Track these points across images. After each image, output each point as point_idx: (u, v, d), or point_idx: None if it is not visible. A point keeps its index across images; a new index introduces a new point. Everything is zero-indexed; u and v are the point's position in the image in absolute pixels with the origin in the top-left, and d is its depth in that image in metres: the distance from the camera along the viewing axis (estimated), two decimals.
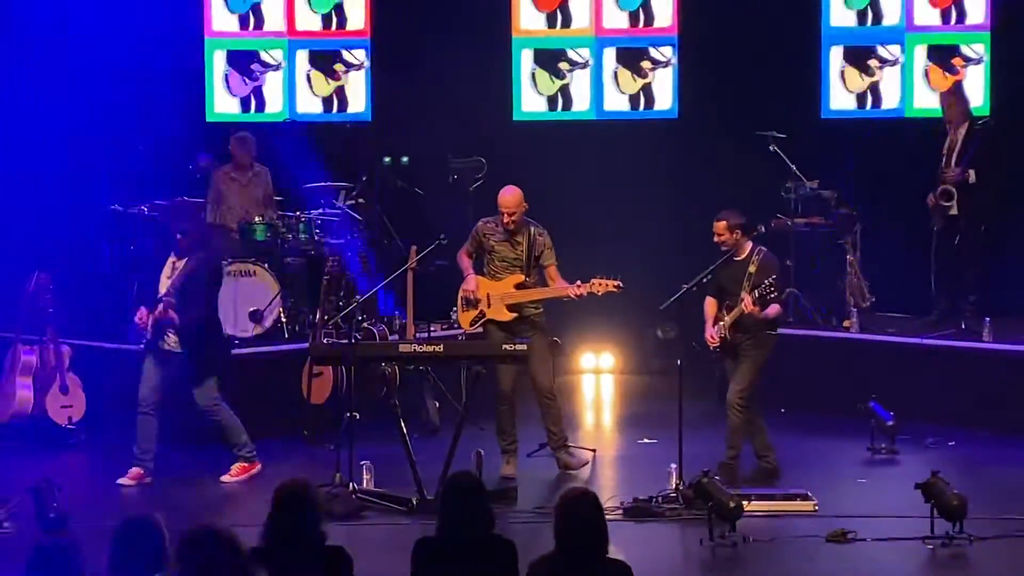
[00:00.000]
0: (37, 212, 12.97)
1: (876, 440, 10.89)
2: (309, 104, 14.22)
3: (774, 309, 9.84)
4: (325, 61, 14.21)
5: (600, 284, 10.09)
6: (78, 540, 5.40)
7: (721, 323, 9.94)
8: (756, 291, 9.69)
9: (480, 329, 10.52)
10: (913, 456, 10.69)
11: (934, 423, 11.32)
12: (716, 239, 9.97)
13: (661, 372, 13.06)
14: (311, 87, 14.22)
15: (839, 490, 9.81)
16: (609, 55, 14.15)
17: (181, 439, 10.95)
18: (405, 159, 13.39)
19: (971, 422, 11.35)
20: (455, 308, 10.83)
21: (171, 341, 10.11)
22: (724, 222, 9.92)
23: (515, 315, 10.32)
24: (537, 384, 10.37)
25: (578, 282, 10.15)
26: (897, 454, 10.82)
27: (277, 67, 14.20)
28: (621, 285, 10.11)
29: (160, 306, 10.04)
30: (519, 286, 10.32)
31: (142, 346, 10.24)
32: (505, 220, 10.29)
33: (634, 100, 14.18)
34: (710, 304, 10.08)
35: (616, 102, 14.19)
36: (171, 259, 10.14)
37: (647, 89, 14.14)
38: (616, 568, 5.80)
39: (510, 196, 10.32)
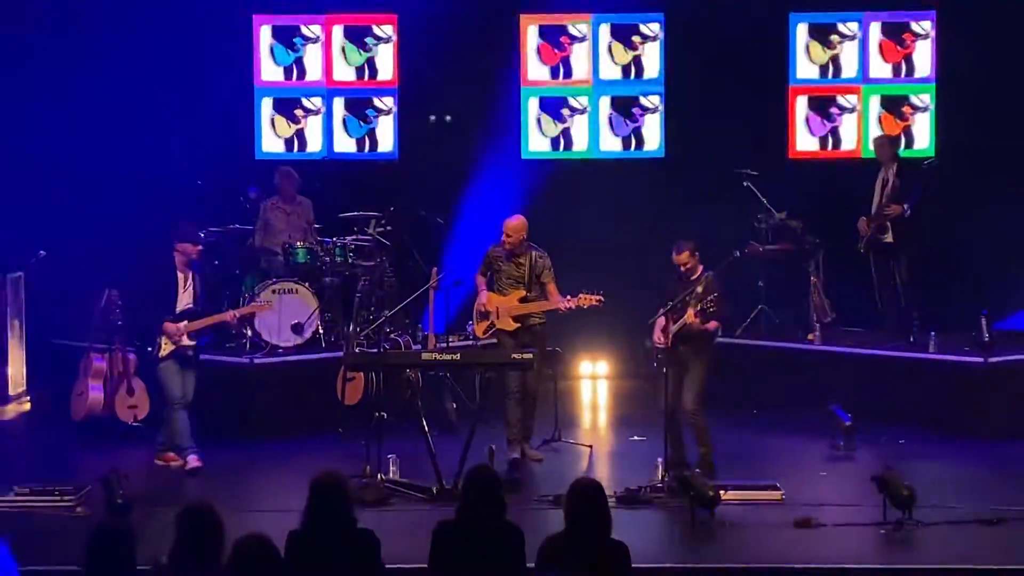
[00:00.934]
0: (109, 237, 12.96)
1: (836, 438, 10.85)
2: (344, 144, 14.23)
3: (712, 324, 9.77)
4: (358, 107, 14.22)
5: (585, 299, 10.29)
6: (132, 525, 5.38)
7: (669, 330, 9.83)
8: (700, 305, 9.60)
9: (493, 338, 10.67)
10: (868, 452, 10.64)
11: (887, 424, 11.28)
12: (682, 268, 9.85)
13: (649, 377, 13.02)
14: (346, 129, 14.22)
15: (804, 482, 9.77)
16: (604, 102, 14.15)
17: (225, 433, 10.99)
18: (448, 118, 13.53)
19: (919, 423, 11.31)
20: (471, 321, 10.94)
21: (189, 342, 10.18)
22: (687, 252, 9.83)
23: (519, 325, 10.49)
24: (526, 385, 10.39)
25: (568, 296, 10.29)
26: (854, 451, 10.76)
27: (317, 112, 14.21)
28: (602, 299, 10.26)
29: (231, 315, 10.29)
30: (522, 300, 10.50)
31: (162, 356, 10.16)
32: (503, 239, 10.45)
33: (626, 142, 14.17)
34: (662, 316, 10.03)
35: (611, 143, 14.18)
36: (180, 274, 10.19)
37: (637, 132, 14.14)
38: (617, 548, 5.78)
39: (513, 222, 10.57)
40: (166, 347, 10.13)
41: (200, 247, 10.33)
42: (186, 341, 10.13)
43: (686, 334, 9.72)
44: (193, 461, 10.10)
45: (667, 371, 9.85)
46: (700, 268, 9.87)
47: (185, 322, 10.13)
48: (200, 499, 5.53)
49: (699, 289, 9.68)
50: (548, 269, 10.52)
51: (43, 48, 13.48)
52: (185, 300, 10.20)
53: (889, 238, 12.00)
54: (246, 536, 5.31)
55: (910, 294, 12.04)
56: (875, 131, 13.63)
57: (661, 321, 9.91)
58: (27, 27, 13.50)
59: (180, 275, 10.20)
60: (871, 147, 12.55)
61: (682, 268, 9.85)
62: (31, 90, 13.44)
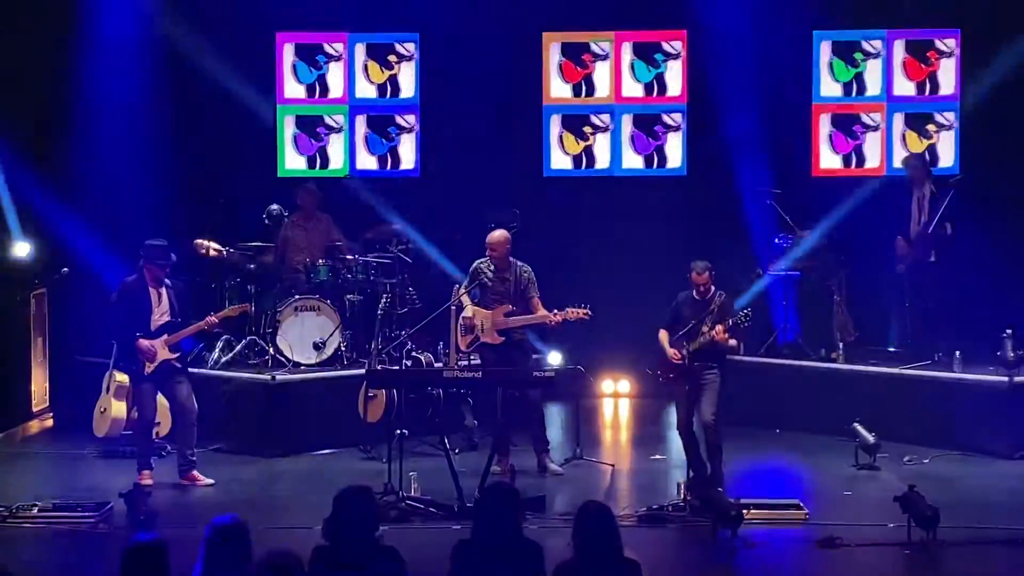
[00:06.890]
0: (133, 254, 13.00)
1: (860, 457, 10.83)
2: (366, 162, 14.28)
3: (734, 340, 9.78)
4: (380, 124, 14.27)
5: (573, 312, 10.37)
6: (166, 541, 5.40)
7: (684, 348, 9.82)
8: (731, 320, 9.61)
9: (476, 351, 10.76)
10: (892, 472, 10.62)
11: (911, 443, 11.25)
12: (702, 287, 9.85)
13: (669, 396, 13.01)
14: (368, 147, 14.28)
15: (827, 501, 9.75)
16: (627, 120, 14.17)
17: (246, 449, 11.00)
18: None
19: (943, 442, 11.26)
20: (441, 343, 11.06)
21: (171, 355, 10.36)
22: (708, 273, 9.85)
23: (504, 339, 10.57)
24: (529, 398, 10.44)
25: (555, 310, 10.34)
26: (878, 470, 10.74)
27: (339, 130, 14.27)
28: (590, 313, 10.32)
29: (208, 321, 10.53)
30: (508, 314, 10.56)
31: (148, 372, 10.33)
32: (488, 253, 10.61)
33: (648, 159, 14.19)
34: (664, 335, 10.00)
35: (633, 161, 14.20)
36: (152, 290, 10.37)
37: (660, 150, 14.16)
38: (628, 567, 5.76)
39: (496, 235, 10.71)
40: (149, 364, 10.28)
41: (167, 268, 10.43)
42: (167, 354, 10.32)
43: (706, 350, 9.73)
44: (146, 477, 10.20)
45: (682, 388, 9.86)
46: (713, 288, 9.91)
47: (165, 336, 10.31)
48: (230, 514, 5.55)
49: (713, 308, 9.73)
50: (533, 283, 10.60)
51: (66, 59, 13.53)
52: (160, 315, 10.37)
53: (933, 258, 11.93)
54: (271, 552, 5.32)
55: (941, 313, 11.99)
56: (899, 149, 13.63)
57: (664, 339, 9.90)
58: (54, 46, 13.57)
59: (152, 291, 10.40)
60: (903, 166, 12.45)
61: (701, 287, 9.87)
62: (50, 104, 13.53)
